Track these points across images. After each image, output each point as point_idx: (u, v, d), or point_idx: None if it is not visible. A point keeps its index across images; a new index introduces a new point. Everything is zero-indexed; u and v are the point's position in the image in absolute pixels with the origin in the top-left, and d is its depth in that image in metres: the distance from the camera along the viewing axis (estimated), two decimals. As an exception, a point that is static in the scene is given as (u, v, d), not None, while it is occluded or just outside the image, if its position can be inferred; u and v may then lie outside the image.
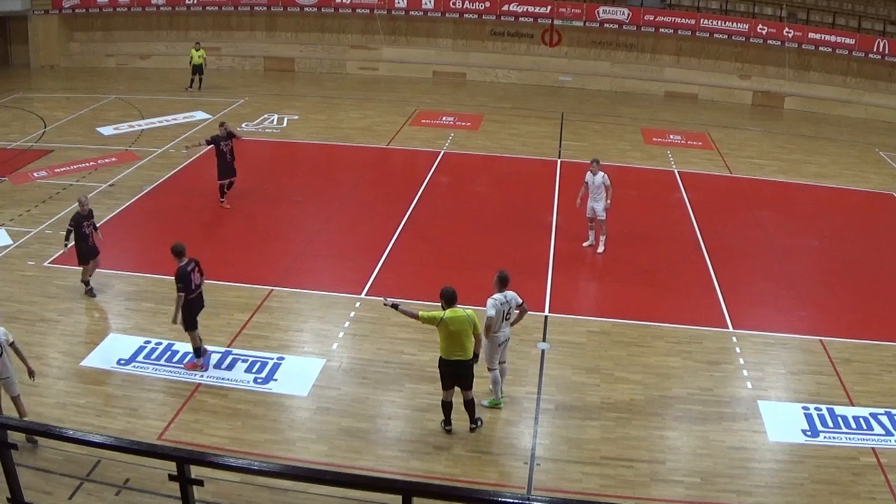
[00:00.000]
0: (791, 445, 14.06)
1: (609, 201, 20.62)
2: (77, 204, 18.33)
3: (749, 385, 15.73)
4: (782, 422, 14.62)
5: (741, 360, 16.58)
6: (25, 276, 19.11)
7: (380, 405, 14.79)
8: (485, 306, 14.17)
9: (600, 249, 21.09)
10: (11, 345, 13.05)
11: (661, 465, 13.43)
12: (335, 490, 11.29)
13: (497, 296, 14.24)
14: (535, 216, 23.44)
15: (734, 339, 17.43)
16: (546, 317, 18.02)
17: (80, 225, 18.07)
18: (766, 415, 14.78)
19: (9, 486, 7.76)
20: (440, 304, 13.51)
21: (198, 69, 36.57)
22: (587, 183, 20.63)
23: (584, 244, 21.34)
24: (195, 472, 7.09)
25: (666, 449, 13.87)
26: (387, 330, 17.19)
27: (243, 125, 30.82)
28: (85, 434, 8.63)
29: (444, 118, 33.33)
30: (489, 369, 14.53)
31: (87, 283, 18.53)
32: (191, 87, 36.65)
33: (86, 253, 18.27)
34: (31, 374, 13.32)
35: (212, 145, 22.74)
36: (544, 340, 17.03)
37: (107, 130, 30.40)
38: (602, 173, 20.47)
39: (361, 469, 12.84)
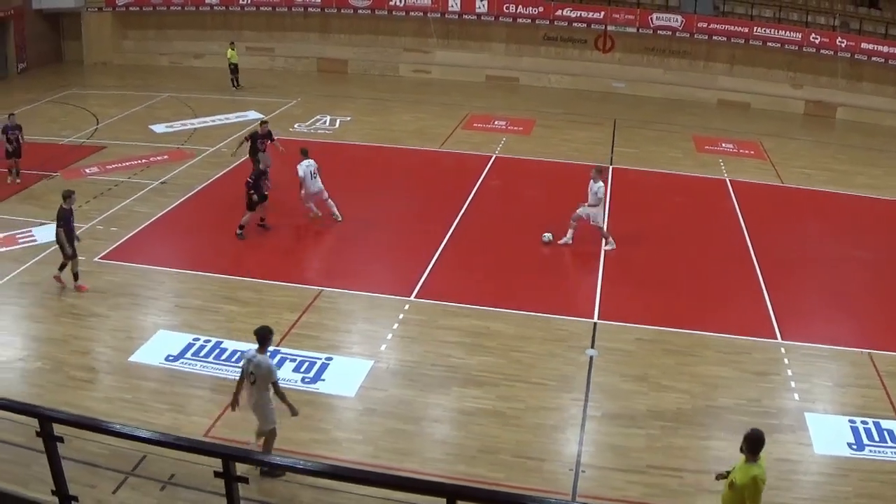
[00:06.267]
0: (837, 458, 13.86)
1: (588, 209, 21.01)
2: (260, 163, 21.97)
3: (796, 397, 15.54)
4: (828, 434, 14.42)
5: (789, 372, 16.38)
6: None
7: (426, 408, 14.81)
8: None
9: (607, 247, 21.36)
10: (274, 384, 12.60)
11: (706, 476, 13.28)
12: (378, 491, 11.31)
13: None
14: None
15: (782, 349, 17.22)
16: (595, 323, 17.93)
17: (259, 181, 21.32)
18: (813, 427, 14.59)
19: (53, 478, 7.86)
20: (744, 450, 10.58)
21: (234, 68, 37.36)
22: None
23: (560, 241, 21.51)
24: (240, 469, 7.16)
25: (712, 459, 13.73)
26: (435, 333, 17.21)
27: (296, 125, 31.08)
28: (132, 429, 8.74)
29: (495, 122, 33.31)
30: None
31: (262, 218, 21.82)
32: (234, 86, 37.30)
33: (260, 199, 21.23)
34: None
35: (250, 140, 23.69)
36: (592, 347, 16.96)
37: (159, 128, 30.78)
38: (601, 183, 20.87)
39: (407, 471, 12.82)
